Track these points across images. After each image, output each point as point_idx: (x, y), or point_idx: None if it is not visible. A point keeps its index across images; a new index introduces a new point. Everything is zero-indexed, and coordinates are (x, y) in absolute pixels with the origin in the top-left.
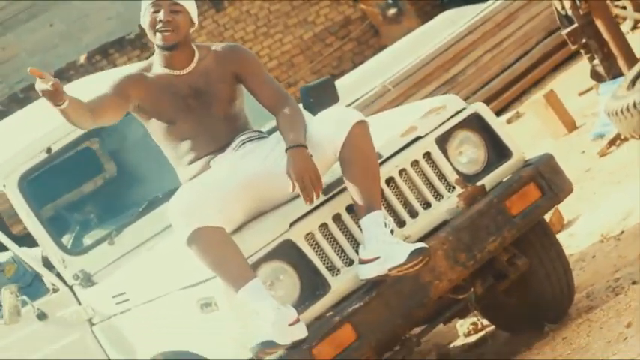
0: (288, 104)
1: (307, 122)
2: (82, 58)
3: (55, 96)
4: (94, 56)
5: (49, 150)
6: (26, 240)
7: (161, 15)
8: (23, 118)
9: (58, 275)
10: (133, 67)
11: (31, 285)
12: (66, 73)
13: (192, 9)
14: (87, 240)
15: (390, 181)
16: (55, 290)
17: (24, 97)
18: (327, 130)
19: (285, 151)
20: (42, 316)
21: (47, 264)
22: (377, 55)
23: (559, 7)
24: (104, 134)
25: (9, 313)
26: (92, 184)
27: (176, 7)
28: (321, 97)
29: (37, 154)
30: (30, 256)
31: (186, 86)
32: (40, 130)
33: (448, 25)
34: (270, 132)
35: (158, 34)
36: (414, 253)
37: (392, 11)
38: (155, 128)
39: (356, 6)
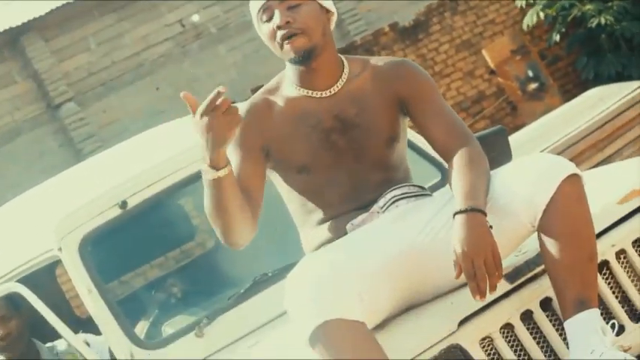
0: (468, 147)
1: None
2: None
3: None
4: None
5: (123, 204)
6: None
7: (276, 19)
8: (93, 166)
9: None
10: (260, 91)
11: None
12: None
13: None
14: (167, 329)
15: (602, 266)
16: None
17: None
18: (522, 186)
19: (454, 215)
20: None
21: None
22: (515, 134)
23: None
24: (198, 189)
25: None
26: (178, 254)
27: (290, 1)
28: (489, 152)
29: (107, 209)
30: (96, 344)
31: (329, 116)
32: (113, 180)
33: (596, 102)
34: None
35: (285, 46)
36: None
37: (533, 86)
38: (281, 175)
39: (491, 80)
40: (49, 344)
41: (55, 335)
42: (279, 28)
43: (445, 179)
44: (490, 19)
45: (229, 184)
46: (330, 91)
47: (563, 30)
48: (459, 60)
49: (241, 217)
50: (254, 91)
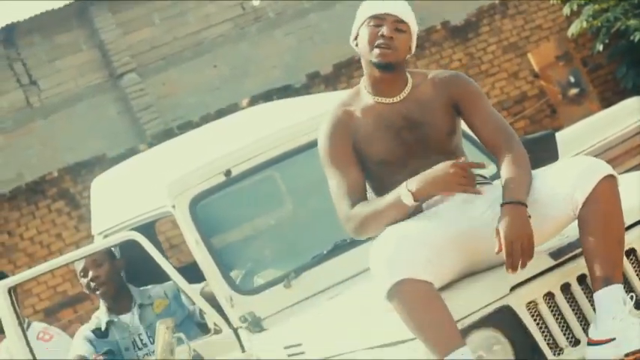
0: (513, 147)
1: (537, 174)
2: (245, 102)
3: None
4: (257, 101)
5: (228, 172)
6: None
7: (384, 30)
8: (199, 137)
9: (223, 315)
10: (336, 106)
11: (180, 325)
12: (225, 116)
13: (414, 33)
14: (259, 280)
15: (630, 252)
16: (217, 332)
17: (180, 134)
18: (565, 182)
19: (501, 205)
20: (198, 358)
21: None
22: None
23: None
24: (289, 164)
25: (162, 350)
26: (271, 218)
27: (401, 25)
28: (539, 152)
29: (214, 175)
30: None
31: (399, 117)
32: (219, 150)
33: (633, 111)
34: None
35: (376, 50)
36: None
37: (573, 91)
38: (363, 168)
39: (534, 82)
40: (142, 288)
41: (151, 282)
42: (382, 37)
43: None
44: (537, 25)
45: (406, 210)
46: (399, 97)
47: (607, 41)
48: (504, 61)
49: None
50: (309, 76)
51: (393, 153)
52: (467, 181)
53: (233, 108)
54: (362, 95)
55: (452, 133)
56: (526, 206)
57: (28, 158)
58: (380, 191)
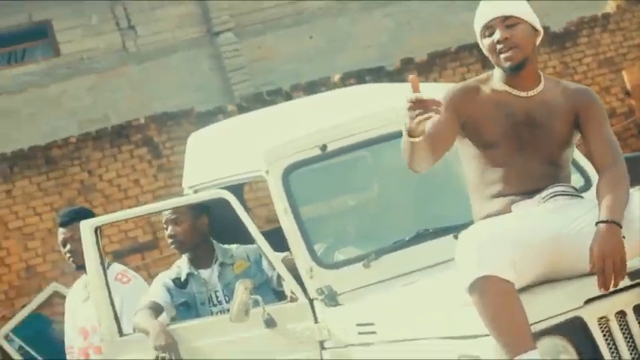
0: (618, 168)
1: (632, 194)
2: (336, 77)
3: (417, 128)
4: (349, 78)
5: (324, 147)
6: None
7: (497, 35)
8: (299, 108)
9: (301, 285)
10: (470, 80)
11: (258, 289)
12: (316, 87)
13: (530, 15)
14: (339, 255)
15: None
16: (293, 300)
17: (269, 100)
18: None
19: (596, 223)
20: (270, 323)
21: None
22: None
23: None
24: (384, 148)
25: (237, 309)
26: (358, 197)
27: (510, 20)
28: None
29: (310, 147)
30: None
31: (523, 111)
32: (317, 124)
33: None
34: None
35: (501, 56)
36: None
37: None
38: (468, 147)
39: (625, 100)
40: (226, 247)
41: (233, 242)
42: (498, 42)
43: (586, 183)
44: (636, 43)
45: (419, 148)
46: (528, 94)
47: None
48: (598, 75)
49: (424, 163)
50: (402, 61)
51: (504, 141)
52: (420, 112)
53: (324, 81)
54: (493, 81)
55: (565, 145)
56: (621, 227)
57: (117, 101)
58: (481, 179)
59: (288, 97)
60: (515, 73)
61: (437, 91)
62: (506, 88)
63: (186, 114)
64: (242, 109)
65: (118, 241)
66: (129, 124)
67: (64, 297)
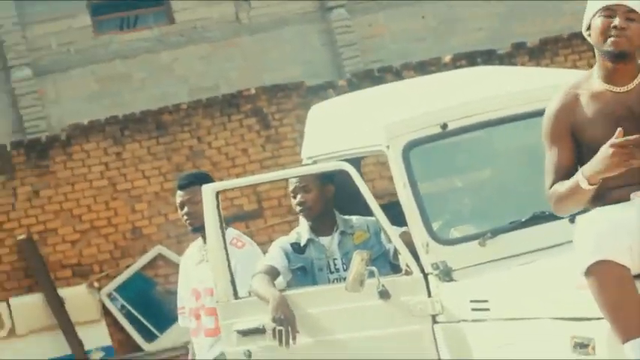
0: None
1: None
2: (447, 58)
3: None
4: (459, 60)
5: (444, 125)
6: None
7: (616, 21)
8: (416, 87)
9: (416, 259)
10: (567, 87)
11: (375, 260)
12: (426, 68)
13: None
14: (455, 232)
15: None
16: (408, 273)
17: (379, 77)
18: None
19: None
20: (384, 294)
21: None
22: None
23: None
24: (504, 129)
25: (353, 279)
26: (475, 176)
27: (632, 14)
28: None
29: (432, 125)
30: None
31: (622, 107)
32: (438, 103)
33: None
34: None
35: (610, 39)
36: None
37: None
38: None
39: None
40: (346, 217)
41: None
42: (615, 27)
43: None
44: None
45: (588, 193)
46: (627, 87)
47: None
48: None
49: (580, 207)
50: (514, 45)
51: (609, 139)
52: (628, 157)
53: (435, 62)
54: (593, 80)
55: None
56: None
57: (227, 71)
58: None
59: (399, 75)
60: (615, 61)
61: (549, 75)
62: (606, 86)
63: (296, 87)
64: (352, 85)
65: (224, 208)
66: (240, 94)
67: (168, 260)
